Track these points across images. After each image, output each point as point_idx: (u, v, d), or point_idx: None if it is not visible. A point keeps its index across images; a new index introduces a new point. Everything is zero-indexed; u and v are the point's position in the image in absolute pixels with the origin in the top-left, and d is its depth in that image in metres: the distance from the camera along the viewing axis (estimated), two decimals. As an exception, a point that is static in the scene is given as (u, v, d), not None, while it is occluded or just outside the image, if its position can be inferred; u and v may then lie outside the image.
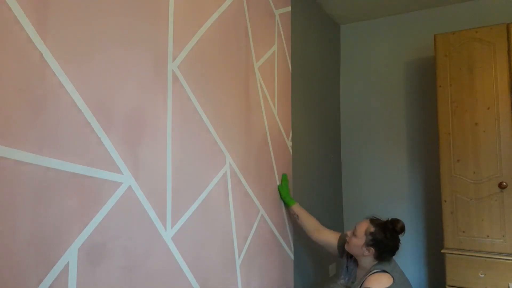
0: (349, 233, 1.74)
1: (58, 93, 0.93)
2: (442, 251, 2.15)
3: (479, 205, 2.10)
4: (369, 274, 1.62)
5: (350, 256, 1.79)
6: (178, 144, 1.30)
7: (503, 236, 2.03)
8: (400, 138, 2.82)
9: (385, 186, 2.84)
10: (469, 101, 2.16)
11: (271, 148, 1.89)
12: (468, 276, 2.06)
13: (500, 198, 2.05)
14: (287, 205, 2.00)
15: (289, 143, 2.08)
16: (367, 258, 1.66)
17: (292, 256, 2.05)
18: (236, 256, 1.58)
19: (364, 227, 1.67)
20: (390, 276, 1.58)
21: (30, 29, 0.87)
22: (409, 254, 2.70)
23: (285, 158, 2.03)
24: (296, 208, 1.98)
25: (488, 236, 2.07)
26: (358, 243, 1.66)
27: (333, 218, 2.77)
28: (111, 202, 1.05)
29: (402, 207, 2.75)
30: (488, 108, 2.11)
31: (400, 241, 1.67)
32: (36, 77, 0.88)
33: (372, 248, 1.63)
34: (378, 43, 2.94)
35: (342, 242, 1.83)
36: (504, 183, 2.02)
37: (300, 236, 2.19)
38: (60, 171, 0.92)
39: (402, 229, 1.66)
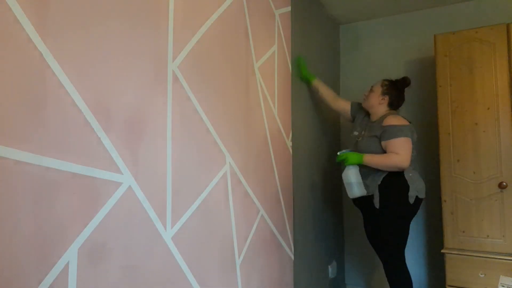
0: (365, 92, 2.21)
1: (58, 93, 0.93)
2: (442, 251, 2.15)
3: (479, 205, 2.10)
4: (385, 117, 2.05)
5: (364, 116, 2.24)
6: (178, 144, 1.30)
7: (503, 236, 2.03)
8: (400, 138, 2.81)
9: (385, 186, 2.84)
10: (469, 101, 2.16)
11: (271, 148, 1.89)
12: (468, 276, 2.06)
13: (500, 198, 2.05)
14: (309, 82, 2.37)
15: (289, 143, 2.08)
16: (381, 107, 2.11)
17: (292, 256, 2.05)
18: (236, 256, 1.58)
19: (379, 83, 2.16)
20: (405, 120, 2.03)
21: (30, 29, 0.87)
22: (409, 254, 2.69)
23: (285, 158, 2.03)
24: (316, 82, 2.37)
25: (488, 236, 2.07)
26: (375, 95, 2.13)
27: (333, 217, 2.77)
28: (111, 202, 1.05)
29: (402, 207, 2.75)
30: (488, 108, 2.11)
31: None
32: (36, 77, 0.88)
33: (387, 96, 2.10)
34: (378, 43, 2.94)
35: (354, 107, 2.32)
36: (504, 183, 2.02)
37: (300, 236, 2.20)
38: (60, 171, 0.92)
39: (409, 82, 2.13)
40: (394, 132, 1.97)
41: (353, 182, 2.05)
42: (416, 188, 2.01)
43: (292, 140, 2.13)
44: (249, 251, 1.66)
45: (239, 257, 1.60)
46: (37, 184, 0.87)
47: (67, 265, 0.93)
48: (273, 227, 1.88)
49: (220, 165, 1.51)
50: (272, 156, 1.90)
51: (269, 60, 1.91)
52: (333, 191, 2.82)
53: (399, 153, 1.94)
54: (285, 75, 2.07)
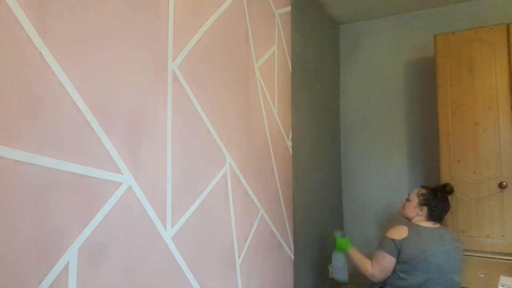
0: (403, 200, 1.99)
1: (58, 93, 0.92)
2: (442, 251, 2.15)
3: (479, 205, 2.10)
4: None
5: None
6: (178, 144, 1.30)
7: (503, 236, 2.03)
8: (400, 138, 2.82)
9: (385, 186, 2.84)
10: (469, 101, 2.16)
11: (271, 148, 1.89)
12: (468, 276, 2.06)
13: (500, 198, 2.05)
14: (344, 251, 2.05)
15: (289, 143, 2.08)
16: (419, 219, 1.87)
17: (292, 256, 2.05)
18: (236, 256, 1.58)
19: (415, 191, 1.93)
20: (407, 230, 1.79)
21: (30, 29, 0.87)
22: (409, 254, 2.69)
23: (285, 158, 2.03)
24: (352, 251, 2.01)
25: (488, 236, 2.07)
26: (411, 205, 1.90)
27: (333, 218, 2.77)
28: (111, 202, 1.05)
29: (402, 207, 2.75)
30: (488, 108, 2.11)
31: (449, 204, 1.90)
32: (36, 77, 0.88)
33: (425, 207, 1.86)
34: (378, 43, 2.94)
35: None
36: (504, 183, 2.02)
37: (300, 236, 2.19)
38: (60, 171, 0.92)
39: (451, 190, 1.89)
40: (380, 243, 1.87)
41: (337, 266, 2.09)
42: None
43: (292, 140, 2.13)
44: (249, 251, 1.66)
45: (239, 257, 1.60)
46: (37, 184, 0.87)
47: (67, 265, 0.93)
48: (273, 227, 1.88)
49: (220, 165, 1.51)
50: (272, 156, 1.90)
51: (269, 60, 1.91)
52: (333, 191, 2.82)
53: (373, 265, 1.87)
54: (285, 75, 2.06)
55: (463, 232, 2.12)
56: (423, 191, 1.89)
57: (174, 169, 1.28)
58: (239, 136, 1.64)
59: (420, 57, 2.77)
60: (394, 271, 1.79)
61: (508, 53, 2.08)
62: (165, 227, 1.23)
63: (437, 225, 1.85)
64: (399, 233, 1.79)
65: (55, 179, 0.91)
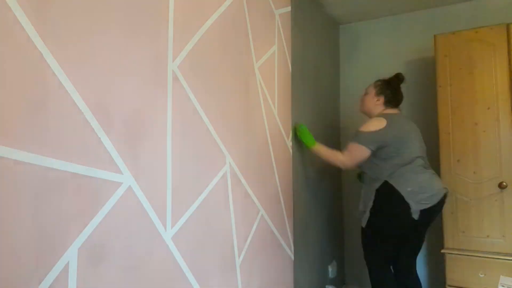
0: (360, 96, 2.15)
1: (58, 93, 0.93)
2: (442, 251, 2.15)
3: (479, 205, 2.10)
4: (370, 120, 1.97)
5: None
6: (178, 144, 1.30)
7: (503, 236, 2.03)
8: (400, 138, 2.81)
9: (385, 186, 2.83)
10: (469, 101, 2.16)
11: (271, 148, 1.89)
12: (468, 276, 2.06)
13: (500, 198, 2.05)
14: (307, 147, 2.14)
15: (289, 143, 2.08)
16: (377, 107, 2.03)
17: (292, 256, 2.05)
18: (236, 256, 1.58)
19: (372, 85, 2.08)
20: (385, 120, 1.90)
21: (30, 29, 0.87)
22: (409, 254, 2.69)
23: (285, 158, 2.03)
24: (317, 146, 2.12)
25: (488, 236, 2.07)
26: (369, 97, 2.06)
27: (333, 218, 2.77)
28: (111, 202, 1.05)
29: (402, 207, 2.75)
30: (488, 108, 2.11)
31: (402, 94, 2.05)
32: (36, 77, 0.88)
33: (381, 96, 2.02)
34: (378, 43, 2.93)
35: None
36: (504, 183, 2.02)
37: (300, 236, 2.20)
38: (60, 171, 0.92)
39: (403, 78, 2.05)
40: (354, 135, 1.96)
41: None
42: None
43: (292, 140, 2.13)
44: (249, 251, 1.66)
45: (239, 257, 1.60)
46: (37, 184, 0.87)
47: (67, 265, 0.93)
48: (273, 227, 1.88)
49: (220, 165, 1.51)
50: (272, 156, 1.90)
51: (269, 60, 1.90)
52: (333, 191, 2.82)
53: (344, 154, 1.99)
54: (285, 75, 2.06)
55: (463, 232, 2.12)
56: (378, 82, 2.06)
57: (174, 169, 1.28)
58: (239, 136, 1.64)
59: (420, 57, 2.77)
60: (370, 161, 1.92)
61: (508, 53, 2.08)
62: (165, 227, 1.23)
63: (397, 110, 2.03)
64: (378, 123, 1.90)
65: (55, 179, 0.91)
